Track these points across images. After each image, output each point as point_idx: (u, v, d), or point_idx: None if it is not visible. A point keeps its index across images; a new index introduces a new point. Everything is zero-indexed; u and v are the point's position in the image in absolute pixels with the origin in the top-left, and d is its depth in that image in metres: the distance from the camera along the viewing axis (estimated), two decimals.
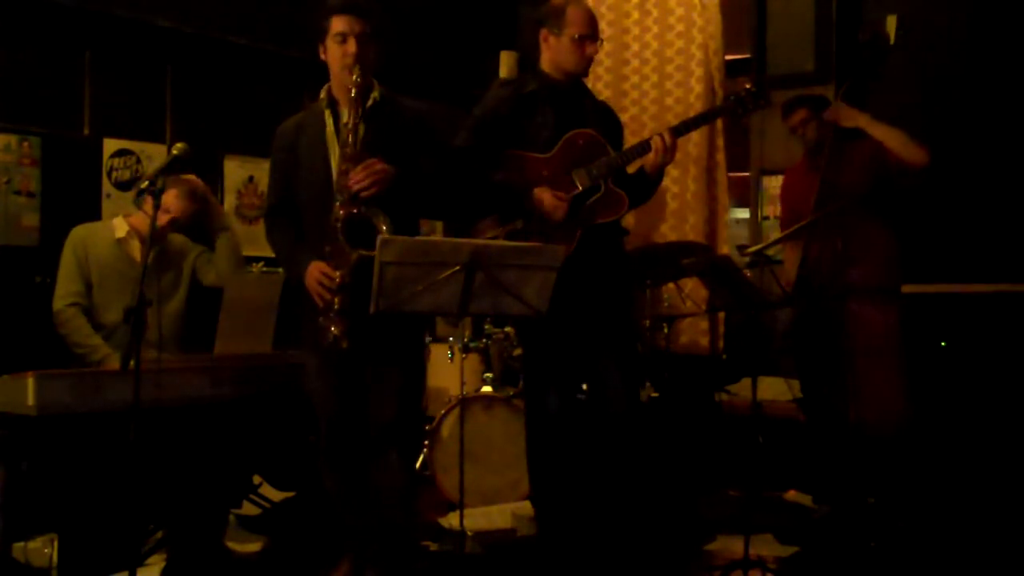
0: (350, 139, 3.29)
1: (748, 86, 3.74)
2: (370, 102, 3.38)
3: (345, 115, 3.34)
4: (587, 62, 3.74)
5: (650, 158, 3.66)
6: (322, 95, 3.44)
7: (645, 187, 3.79)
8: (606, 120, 3.85)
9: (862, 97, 4.12)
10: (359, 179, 3.22)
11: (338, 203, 3.25)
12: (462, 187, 3.63)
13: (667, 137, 3.63)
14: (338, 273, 3.23)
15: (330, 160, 3.36)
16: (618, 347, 3.78)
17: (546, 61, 3.77)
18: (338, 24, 3.34)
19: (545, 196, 3.60)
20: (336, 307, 3.23)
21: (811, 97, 4.54)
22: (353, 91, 3.28)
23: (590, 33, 3.70)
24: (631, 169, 3.78)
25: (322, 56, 3.43)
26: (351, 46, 3.32)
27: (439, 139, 3.55)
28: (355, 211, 3.23)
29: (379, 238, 2.98)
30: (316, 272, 3.27)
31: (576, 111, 3.74)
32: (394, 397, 3.36)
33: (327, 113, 3.41)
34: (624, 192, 3.67)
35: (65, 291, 4.11)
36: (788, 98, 4.53)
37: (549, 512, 3.84)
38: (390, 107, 3.44)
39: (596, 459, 3.73)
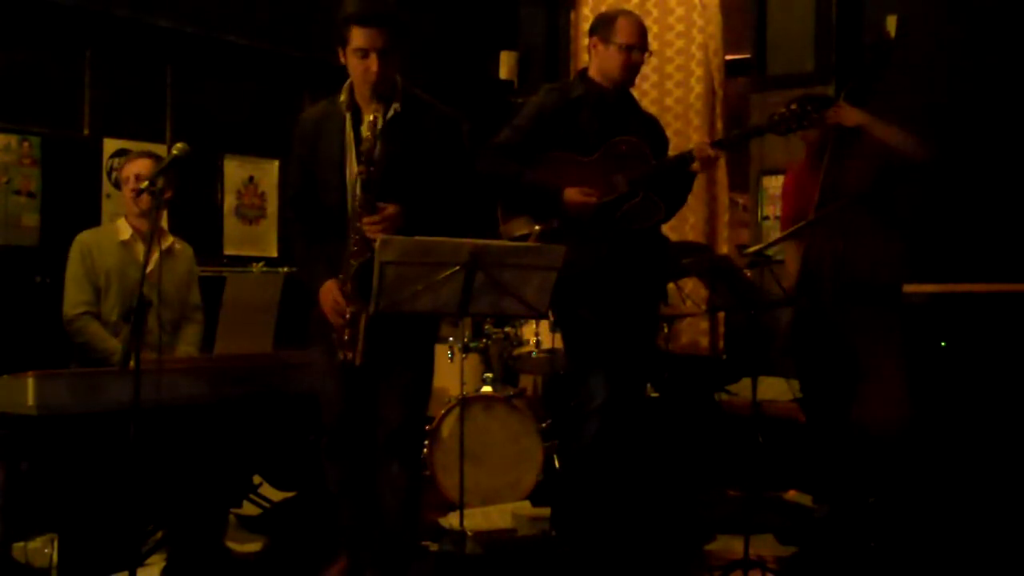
0: (364, 179, 3.17)
1: (794, 105, 3.75)
2: (391, 113, 3.25)
3: (365, 127, 3.20)
4: (633, 71, 3.79)
5: (694, 168, 3.69)
6: (343, 96, 3.30)
7: (680, 191, 3.84)
8: (651, 131, 3.88)
9: (864, 99, 4.11)
10: (373, 230, 3.14)
11: (352, 244, 3.19)
12: (499, 184, 3.67)
13: (709, 150, 3.67)
14: (350, 309, 3.20)
15: (346, 170, 3.28)
16: (639, 353, 3.82)
17: (594, 68, 3.81)
18: (358, 38, 3.16)
19: (574, 195, 3.62)
20: (347, 337, 3.21)
21: (815, 97, 4.51)
22: (367, 132, 3.16)
23: (638, 44, 3.74)
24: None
25: (341, 60, 3.27)
26: (373, 64, 3.15)
27: (467, 145, 3.43)
28: (367, 257, 3.16)
29: (379, 238, 2.98)
30: (330, 298, 3.24)
31: (621, 119, 3.77)
32: (400, 408, 3.33)
33: (348, 116, 3.30)
34: (662, 201, 3.68)
35: (76, 300, 4.06)
36: (792, 98, 4.52)
37: (570, 511, 3.83)
38: (414, 116, 3.29)
39: (608, 460, 3.73)
